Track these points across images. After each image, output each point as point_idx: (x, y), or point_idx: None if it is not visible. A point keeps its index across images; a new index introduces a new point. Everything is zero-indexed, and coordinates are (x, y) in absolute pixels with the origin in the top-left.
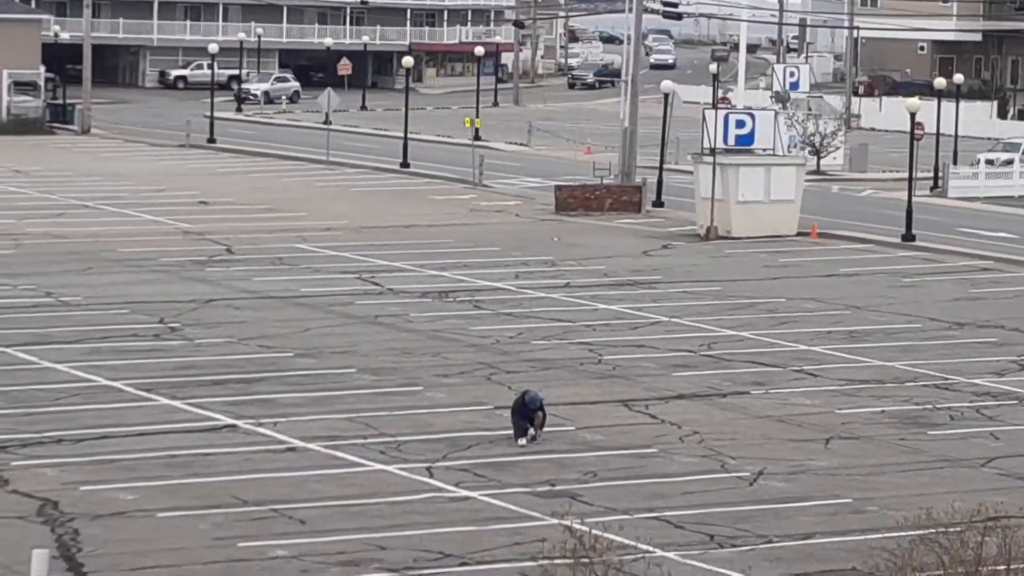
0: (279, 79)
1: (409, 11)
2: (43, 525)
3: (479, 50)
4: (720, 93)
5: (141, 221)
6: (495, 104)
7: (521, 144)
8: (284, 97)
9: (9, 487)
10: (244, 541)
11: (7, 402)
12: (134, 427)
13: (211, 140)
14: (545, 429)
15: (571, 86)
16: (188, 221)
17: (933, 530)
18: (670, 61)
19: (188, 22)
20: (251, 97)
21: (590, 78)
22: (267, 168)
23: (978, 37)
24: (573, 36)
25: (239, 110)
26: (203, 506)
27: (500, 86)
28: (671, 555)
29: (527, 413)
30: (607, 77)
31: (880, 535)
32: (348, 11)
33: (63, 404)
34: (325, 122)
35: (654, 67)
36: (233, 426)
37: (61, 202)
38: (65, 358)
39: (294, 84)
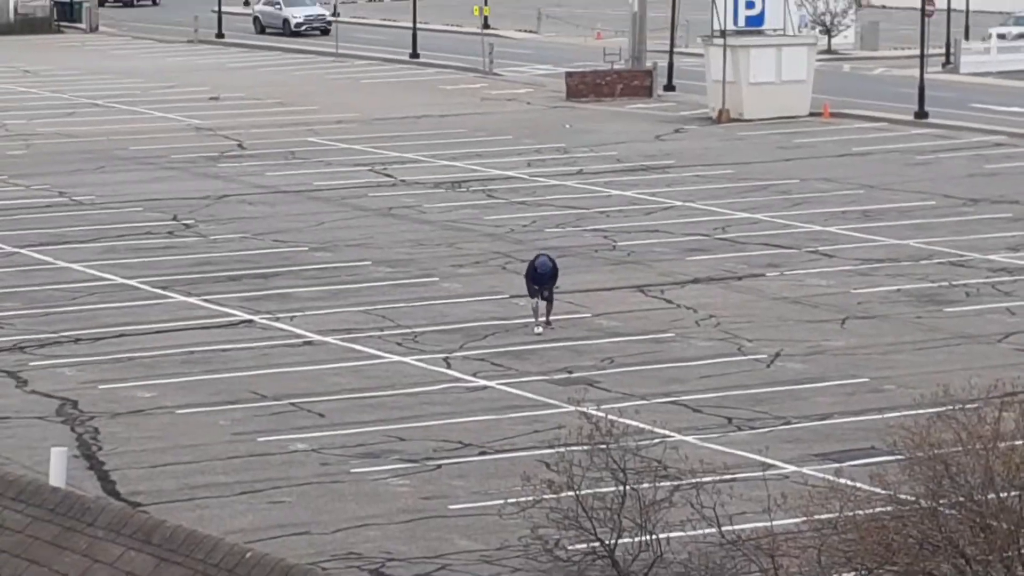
0: None
1: None
2: (63, 424)
3: None
4: None
5: (152, 118)
6: None
7: (531, 31)
8: None
9: (28, 387)
10: (264, 436)
11: (24, 302)
12: (151, 325)
13: (219, 35)
14: (561, 316)
15: None
16: (199, 117)
17: (950, 407)
18: None
19: None
20: None
21: None
22: (276, 62)
23: None
24: None
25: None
26: (222, 402)
27: None
28: (689, 439)
29: (539, 278)
30: None
31: (897, 413)
32: None
33: (80, 303)
34: (333, 14)
35: None
36: (250, 321)
37: (71, 101)
38: (80, 257)
39: None
